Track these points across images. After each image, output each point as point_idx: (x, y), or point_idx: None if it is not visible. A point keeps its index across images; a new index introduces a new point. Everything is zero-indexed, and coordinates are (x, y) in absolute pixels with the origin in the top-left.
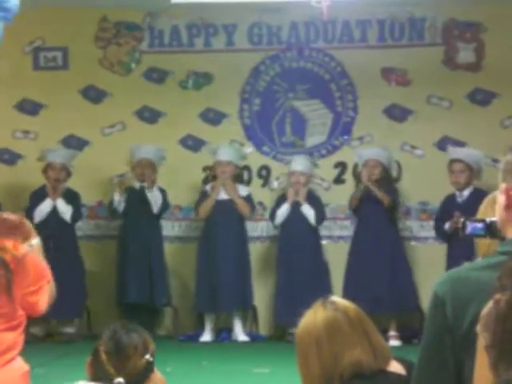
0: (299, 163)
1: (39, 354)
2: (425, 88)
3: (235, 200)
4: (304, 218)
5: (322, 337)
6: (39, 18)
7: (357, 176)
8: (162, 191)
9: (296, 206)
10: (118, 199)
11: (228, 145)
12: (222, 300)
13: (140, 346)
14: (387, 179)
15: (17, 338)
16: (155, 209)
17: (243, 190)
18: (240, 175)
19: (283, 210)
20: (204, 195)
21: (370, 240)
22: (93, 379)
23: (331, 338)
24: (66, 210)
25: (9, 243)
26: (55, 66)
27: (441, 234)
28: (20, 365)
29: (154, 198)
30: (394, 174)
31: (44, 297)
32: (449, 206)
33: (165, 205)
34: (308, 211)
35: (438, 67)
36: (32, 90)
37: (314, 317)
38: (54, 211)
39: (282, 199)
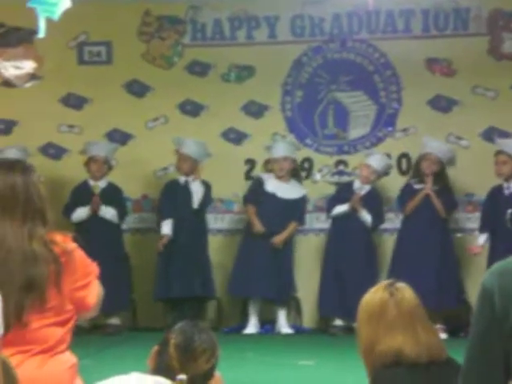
0: (374, 160)
1: (85, 345)
2: (470, 78)
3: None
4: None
5: (373, 314)
6: (83, 13)
7: (416, 168)
8: (207, 185)
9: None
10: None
11: (282, 139)
12: (259, 287)
13: (209, 351)
14: (443, 178)
15: (65, 334)
16: (195, 203)
17: (299, 191)
18: (297, 170)
19: (342, 209)
20: (256, 183)
21: (417, 233)
22: (154, 369)
23: (379, 320)
24: (111, 216)
25: (59, 237)
26: (99, 60)
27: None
28: (68, 357)
29: (196, 192)
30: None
31: (93, 292)
32: (495, 198)
33: (206, 199)
34: (365, 216)
35: (483, 57)
36: (77, 85)
37: (374, 294)
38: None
39: (345, 190)
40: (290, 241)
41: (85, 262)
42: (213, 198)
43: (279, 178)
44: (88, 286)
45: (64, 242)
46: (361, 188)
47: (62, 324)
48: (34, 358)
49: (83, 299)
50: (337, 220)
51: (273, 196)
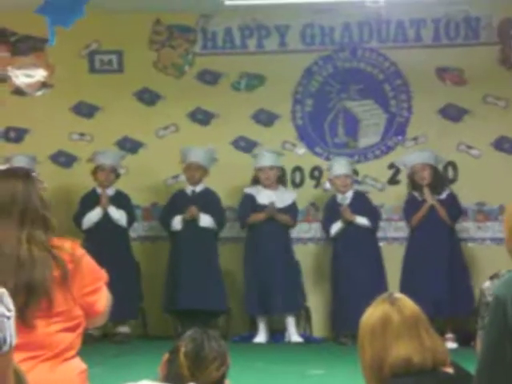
0: (341, 166)
1: (95, 353)
2: (481, 87)
3: (277, 218)
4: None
5: (376, 329)
6: (94, 22)
7: (410, 181)
8: (214, 196)
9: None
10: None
11: (268, 149)
12: (273, 303)
13: (219, 359)
14: (440, 181)
15: (74, 340)
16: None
17: (289, 197)
18: (282, 177)
19: (338, 226)
20: (247, 199)
21: (426, 242)
22: (164, 377)
23: (383, 332)
24: (119, 216)
25: (67, 243)
26: (110, 69)
27: None
28: (78, 363)
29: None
30: (450, 174)
31: (102, 297)
32: None
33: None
34: (362, 221)
35: (494, 66)
36: (88, 93)
37: (374, 309)
38: (106, 215)
39: (331, 206)
40: (291, 250)
41: (93, 267)
42: (223, 208)
43: (266, 186)
44: (97, 292)
45: (73, 248)
46: (344, 198)
47: (71, 330)
48: (44, 364)
49: (92, 305)
50: (338, 236)
51: (263, 206)
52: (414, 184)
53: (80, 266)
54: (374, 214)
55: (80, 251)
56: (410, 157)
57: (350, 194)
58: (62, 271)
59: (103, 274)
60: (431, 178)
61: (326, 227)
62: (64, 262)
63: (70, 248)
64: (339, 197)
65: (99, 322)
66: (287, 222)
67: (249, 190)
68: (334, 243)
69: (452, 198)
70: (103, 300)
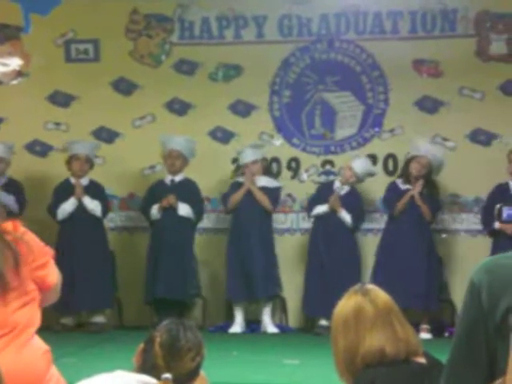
0: (356, 164)
1: (70, 343)
2: (457, 80)
3: (253, 192)
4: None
5: (349, 320)
6: (71, 11)
7: (404, 171)
8: (193, 185)
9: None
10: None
11: (248, 144)
12: (254, 289)
13: (194, 349)
14: (430, 181)
15: (32, 315)
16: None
17: (273, 183)
18: (269, 167)
19: (322, 209)
20: (234, 186)
21: (402, 234)
22: (139, 367)
23: (357, 323)
24: (94, 206)
25: (8, 225)
26: (86, 58)
27: (487, 227)
28: (39, 344)
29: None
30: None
31: (53, 271)
32: (501, 196)
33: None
34: (345, 216)
35: (470, 59)
36: (64, 82)
37: (346, 300)
38: (80, 205)
39: (325, 189)
40: (271, 240)
41: (38, 242)
42: (202, 198)
43: None
44: (46, 266)
45: (14, 229)
46: (340, 188)
47: (27, 304)
48: (9, 347)
49: (44, 278)
50: (318, 220)
51: (250, 193)
52: (405, 171)
53: (24, 242)
54: (359, 216)
55: (22, 229)
56: (425, 147)
57: (347, 187)
58: (12, 253)
59: (49, 250)
60: (426, 175)
61: (309, 205)
62: (15, 247)
63: (12, 229)
64: (336, 183)
65: (53, 298)
66: (265, 204)
67: (239, 179)
68: (312, 230)
69: (433, 192)
70: (54, 274)
